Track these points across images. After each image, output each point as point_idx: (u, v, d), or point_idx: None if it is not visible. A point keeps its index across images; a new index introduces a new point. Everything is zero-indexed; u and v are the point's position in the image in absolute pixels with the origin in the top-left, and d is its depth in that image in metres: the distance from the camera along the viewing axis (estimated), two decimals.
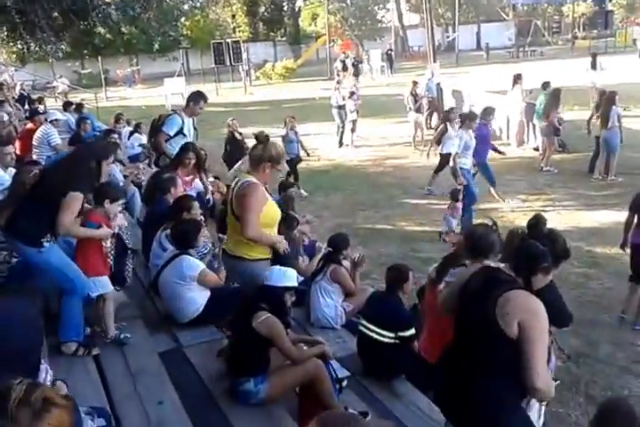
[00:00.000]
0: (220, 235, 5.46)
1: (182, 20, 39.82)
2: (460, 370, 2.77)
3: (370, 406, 4.08)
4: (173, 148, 6.69)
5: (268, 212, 3.95)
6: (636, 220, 5.98)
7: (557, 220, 8.68)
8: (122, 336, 4.53)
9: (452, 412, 2.89)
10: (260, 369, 3.89)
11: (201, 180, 6.94)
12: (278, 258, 4.11)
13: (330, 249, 5.64)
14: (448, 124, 10.40)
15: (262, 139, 3.93)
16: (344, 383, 4.17)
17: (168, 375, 4.16)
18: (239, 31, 44.03)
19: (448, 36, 43.04)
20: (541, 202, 9.65)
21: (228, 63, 28.50)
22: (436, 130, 12.28)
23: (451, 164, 8.71)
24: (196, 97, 6.77)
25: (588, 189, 9.98)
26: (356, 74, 24.61)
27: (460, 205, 8.32)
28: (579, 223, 8.70)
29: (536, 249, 2.74)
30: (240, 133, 11.64)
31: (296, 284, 4.01)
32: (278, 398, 3.92)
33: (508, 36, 42.57)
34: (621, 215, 8.62)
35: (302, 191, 10.12)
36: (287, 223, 5.55)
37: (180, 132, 6.70)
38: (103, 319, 4.49)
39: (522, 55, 36.97)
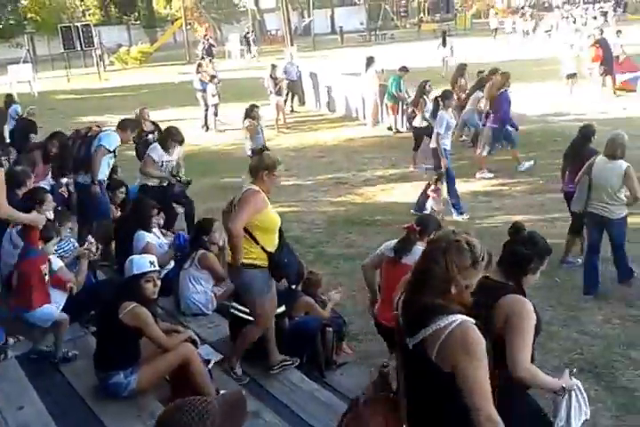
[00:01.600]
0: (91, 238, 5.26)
1: (23, 1, 37.00)
2: None
3: (243, 386, 4.13)
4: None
5: (268, 217, 4.17)
6: (568, 169, 6.70)
7: (413, 193, 9.18)
8: (70, 354, 4.40)
9: None
10: (129, 361, 3.84)
11: (54, 175, 6.59)
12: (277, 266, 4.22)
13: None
14: (425, 97, 10.31)
15: (258, 151, 4.40)
16: (210, 365, 4.19)
17: (28, 379, 3.96)
18: (89, 14, 41.70)
19: (304, 20, 43.44)
20: (396, 177, 10.16)
21: (79, 48, 26.90)
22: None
23: (433, 144, 8.38)
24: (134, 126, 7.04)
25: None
26: (210, 55, 24.27)
27: (443, 187, 8.26)
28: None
29: (521, 253, 2.90)
30: (154, 123, 9.04)
31: (147, 269, 3.96)
32: (150, 388, 3.88)
33: (360, 19, 43.85)
34: (472, 184, 9.45)
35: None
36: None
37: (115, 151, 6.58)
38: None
39: (374, 38, 38.26)
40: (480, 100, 10.85)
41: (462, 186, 8.98)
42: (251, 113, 10.23)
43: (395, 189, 9.64)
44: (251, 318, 4.47)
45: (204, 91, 14.88)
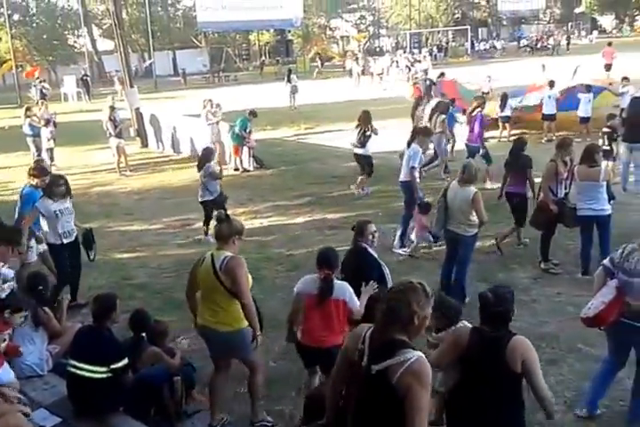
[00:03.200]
0: None
1: None
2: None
3: None
4: None
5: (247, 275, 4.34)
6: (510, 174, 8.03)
7: (262, 231, 9.24)
8: None
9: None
10: None
11: None
12: None
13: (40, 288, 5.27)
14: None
15: (224, 217, 4.40)
16: None
17: None
18: None
19: (145, 62, 42.91)
20: (246, 215, 10.19)
21: None
22: None
23: (406, 178, 8.43)
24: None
25: (284, 200, 10.81)
26: (43, 98, 23.13)
27: (425, 218, 8.18)
28: (279, 231, 9.38)
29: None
30: None
31: None
32: None
33: (202, 62, 44.24)
34: (314, 218, 9.72)
35: None
36: None
37: None
38: None
39: (217, 80, 38.68)
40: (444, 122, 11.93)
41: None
42: None
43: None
44: (92, 375, 4.21)
45: (34, 136, 14.09)
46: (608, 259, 4.57)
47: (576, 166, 7.11)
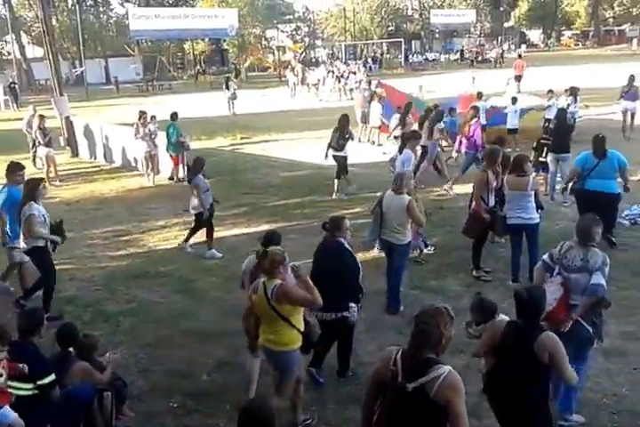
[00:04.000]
0: None
1: None
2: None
3: None
4: None
5: None
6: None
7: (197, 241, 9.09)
8: None
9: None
10: None
11: None
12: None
13: None
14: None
15: (262, 255, 4.60)
16: None
17: None
18: None
19: (75, 70, 41.77)
20: (180, 226, 10.03)
21: None
22: None
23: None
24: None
25: (219, 211, 10.70)
26: None
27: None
28: (216, 243, 9.23)
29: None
30: None
31: None
32: None
33: (136, 70, 43.43)
34: (250, 229, 9.63)
35: None
36: None
37: None
38: None
39: (151, 89, 38.03)
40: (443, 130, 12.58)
41: None
42: None
43: (178, 237, 9.44)
44: (18, 392, 4.06)
45: None
46: (547, 255, 4.85)
47: (506, 176, 7.35)
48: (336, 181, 11.52)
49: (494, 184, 7.50)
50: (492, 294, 7.05)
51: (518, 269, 7.28)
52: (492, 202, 7.56)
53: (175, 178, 13.49)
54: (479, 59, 48.40)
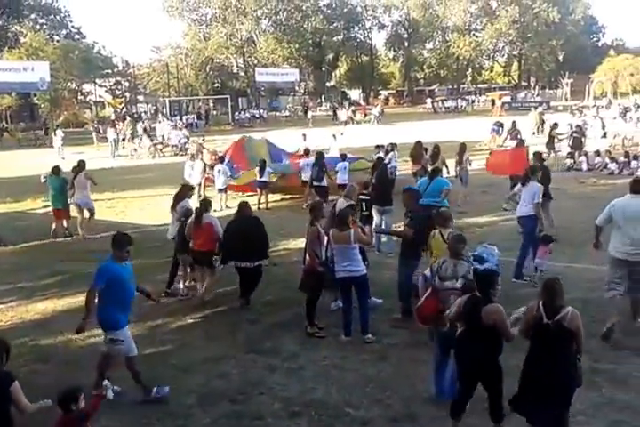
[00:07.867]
0: None
1: None
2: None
3: None
4: None
5: None
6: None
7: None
8: None
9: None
10: None
11: None
12: None
13: None
14: None
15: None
16: None
17: None
18: None
19: None
20: None
21: None
22: None
23: (530, 212, 9.20)
24: None
25: (28, 282, 9.58)
26: None
27: (547, 248, 9.06)
28: (22, 318, 8.22)
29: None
30: None
31: None
32: None
33: None
34: (65, 300, 8.60)
35: None
36: None
37: None
38: None
39: None
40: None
41: None
42: None
43: None
44: None
45: None
46: (428, 269, 6.01)
47: (330, 231, 7.37)
48: None
49: (325, 238, 7.49)
50: (326, 350, 6.97)
51: (350, 323, 7.24)
52: (323, 255, 7.50)
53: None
54: (309, 116, 48.93)
